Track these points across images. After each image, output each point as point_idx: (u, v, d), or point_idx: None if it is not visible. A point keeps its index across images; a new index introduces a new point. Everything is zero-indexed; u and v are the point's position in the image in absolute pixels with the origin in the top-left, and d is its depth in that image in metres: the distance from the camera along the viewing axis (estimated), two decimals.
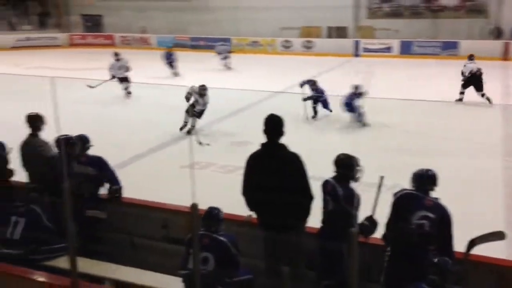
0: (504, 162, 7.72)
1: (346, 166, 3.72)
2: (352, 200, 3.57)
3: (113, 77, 13.01)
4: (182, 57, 23.20)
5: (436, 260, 3.05)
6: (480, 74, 11.77)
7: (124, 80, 13.04)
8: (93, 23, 30.01)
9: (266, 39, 24.61)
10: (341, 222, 3.48)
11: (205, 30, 26.20)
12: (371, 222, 3.65)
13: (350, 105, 9.96)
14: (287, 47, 24.36)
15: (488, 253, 3.70)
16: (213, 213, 3.73)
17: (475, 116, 10.67)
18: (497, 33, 20.78)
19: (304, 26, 24.64)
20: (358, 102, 9.87)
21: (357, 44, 22.73)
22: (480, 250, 3.49)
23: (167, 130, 9.48)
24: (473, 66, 11.88)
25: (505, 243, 4.90)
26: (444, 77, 15.76)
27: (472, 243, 3.42)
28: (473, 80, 11.78)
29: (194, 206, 3.12)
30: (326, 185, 3.77)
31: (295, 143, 3.79)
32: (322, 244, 3.74)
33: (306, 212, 3.69)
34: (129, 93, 13.05)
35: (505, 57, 19.63)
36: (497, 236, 3.46)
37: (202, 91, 9.21)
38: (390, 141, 8.93)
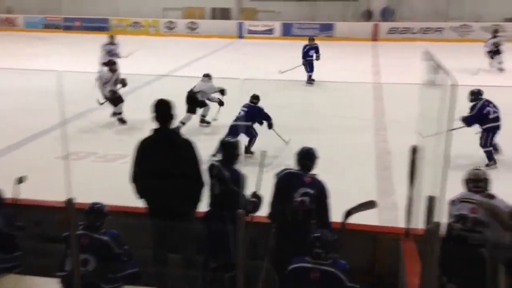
0: (376, 136, 8.39)
1: (230, 148, 3.76)
2: (238, 181, 3.62)
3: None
4: (54, 38, 21.55)
5: (317, 233, 3.20)
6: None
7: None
8: None
9: (148, 20, 23.76)
10: (229, 204, 3.53)
11: (80, 10, 24.49)
12: (256, 198, 3.72)
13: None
14: (170, 28, 23.77)
15: (363, 221, 4.00)
16: (96, 208, 3.52)
17: (350, 95, 11.41)
18: (368, 16, 22.37)
19: (187, 7, 24.21)
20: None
21: (241, 26, 22.94)
22: (355, 219, 3.75)
23: (39, 119, 8.72)
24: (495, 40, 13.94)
25: (377, 210, 5.35)
26: (322, 57, 16.60)
27: (348, 213, 3.65)
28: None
29: (69, 201, 2.89)
30: (212, 168, 3.77)
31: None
32: (209, 227, 3.75)
33: (197, 199, 3.65)
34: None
35: (374, 37, 21.22)
36: (370, 205, 3.74)
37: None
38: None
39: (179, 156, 3.40)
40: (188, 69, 14.39)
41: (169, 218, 3.39)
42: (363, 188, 6.03)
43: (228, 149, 3.78)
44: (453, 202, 3.29)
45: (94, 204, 3.54)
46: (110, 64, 9.22)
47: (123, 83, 8.92)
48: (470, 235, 3.18)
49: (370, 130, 8.68)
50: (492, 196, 3.41)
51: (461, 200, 3.35)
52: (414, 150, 3.53)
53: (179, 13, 24.38)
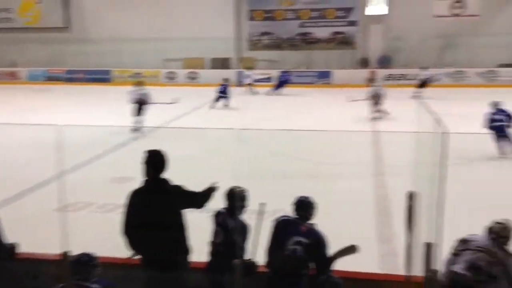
0: (374, 182, 8.36)
1: (238, 198, 3.74)
2: (242, 232, 3.62)
3: None
4: (56, 90, 21.95)
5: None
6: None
7: None
8: None
9: (149, 71, 24.26)
10: (230, 254, 3.50)
11: (84, 62, 25.08)
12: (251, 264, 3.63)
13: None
14: (171, 78, 24.29)
15: (363, 269, 3.95)
16: (82, 260, 3.41)
17: (347, 142, 11.46)
18: (364, 63, 22.88)
19: (187, 57, 24.80)
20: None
21: (240, 74, 23.42)
22: (354, 267, 3.70)
23: (35, 170, 8.73)
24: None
25: (378, 257, 5.28)
26: (321, 105, 16.84)
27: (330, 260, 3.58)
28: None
29: (65, 255, 2.88)
30: (218, 216, 3.79)
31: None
32: (211, 277, 3.70)
33: (185, 246, 3.62)
34: None
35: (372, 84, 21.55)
36: (351, 250, 3.63)
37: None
38: (270, 168, 9.19)
39: (169, 204, 3.42)
40: (189, 117, 14.64)
41: (162, 269, 3.36)
42: (362, 235, 5.95)
43: (235, 198, 3.76)
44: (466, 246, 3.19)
45: (81, 255, 3.42)
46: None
47: None
48: (482, 286, 3.10)
49: (366, 176, 8.66)
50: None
51: (478, 250, 3.24)
52: (411, 196, 3.53)
53: (179, 64, 24.97)
